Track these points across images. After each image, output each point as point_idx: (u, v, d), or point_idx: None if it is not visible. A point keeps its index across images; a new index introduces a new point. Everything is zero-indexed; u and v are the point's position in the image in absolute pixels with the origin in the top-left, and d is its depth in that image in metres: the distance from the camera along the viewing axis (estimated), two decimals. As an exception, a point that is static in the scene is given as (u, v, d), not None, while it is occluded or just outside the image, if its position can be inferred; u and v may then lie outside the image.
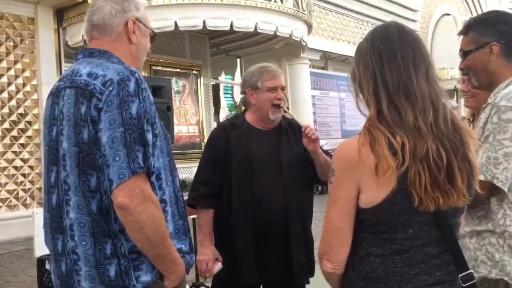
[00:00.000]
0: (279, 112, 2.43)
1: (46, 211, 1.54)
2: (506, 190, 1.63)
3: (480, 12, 19.26)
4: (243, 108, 2.61)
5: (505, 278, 1.64)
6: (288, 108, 2.55)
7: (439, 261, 1.29)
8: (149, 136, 1.40)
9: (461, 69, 1.89)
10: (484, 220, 1.71)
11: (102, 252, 1.40)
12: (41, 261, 3.46)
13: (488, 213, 1.70)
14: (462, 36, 1.88)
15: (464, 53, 1.86)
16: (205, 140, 9.83)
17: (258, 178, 2.33)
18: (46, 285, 3.41)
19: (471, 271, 1.31)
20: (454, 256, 1.29)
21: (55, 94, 1.54)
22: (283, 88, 2.47)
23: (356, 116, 15.37)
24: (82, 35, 7.88)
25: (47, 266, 3.40)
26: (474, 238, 1.73)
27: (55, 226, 1.49)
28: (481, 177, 1.58)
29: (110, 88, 1.38)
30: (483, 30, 1.81)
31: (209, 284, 3.91)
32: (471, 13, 19.12)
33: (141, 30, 1.64)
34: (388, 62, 1.30)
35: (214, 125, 11.13)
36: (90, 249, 1.41)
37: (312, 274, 2.44)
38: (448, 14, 16.87)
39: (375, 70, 1.31)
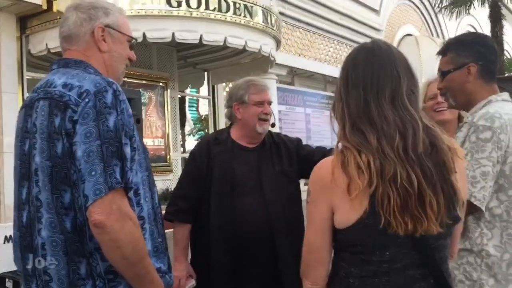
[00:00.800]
0: (267, 124, 2.41)
1: (16, 229, 1.46)
2: (483, 208, 1.65)
3: (440, 33, 19.96)
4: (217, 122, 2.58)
5: None
6: (274, 125, 2.53)
7: (425, 284, 1.28)
8: (127, 150, 1.35)
9: (439, 88, 1.92)
10: (461, 239, 1.72)
11: (76, 273, 1.33)
12: (1, 278, 3.31)
13: (465, 232, 1.71)
14: (440, 57, 1.92)
15: (443, 73, 1.89)
16: (171, 153, 9.72)
17: (238, 196, 2.30)
18: (5, 304, 3.25)
19: None
20: (435, 280, 1.28)
21: (28, 106, 1.47)
22: (270, 103, 2.43)
23: (321, 132, 15.55)
24: (46, 44, 7.68)
25: (7, 284, 3.25)
26: (453, 258, 1.74)
27: (25, 245, 1.41)
28: None
29: (86, 100, 1.33)
30: (461, 51, 1.85)
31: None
32: (432, 34, 19.78)
33: (113, 37, 1.58)
34: (352, 88, 1.33)
35: (180, 138, 11.02)
36: (63, 269, 1.34)
37: None
38: (410, 35, 17.37)
39: (341, 94, 1.35)
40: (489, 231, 1.69)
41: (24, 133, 1.44)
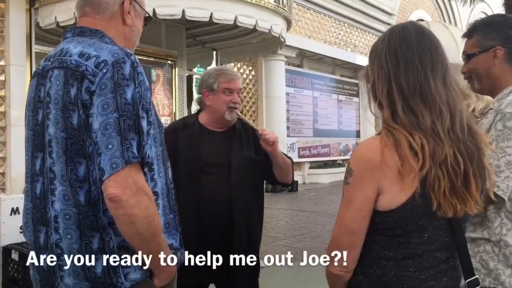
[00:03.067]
0: (235, 113, 2.43)
1: (29, 201, 1.42)
2: (506, 199, 1.61)
3: (452, 20, 19.69)
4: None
5: (499, 287, 1.63)
6: (241, 112, 2.55)
7: (446, 267, 1.28)
8: (144, 124, 1.31)
9: (463, 72, 1.86)
10: (479, 228, 1.69)
11: (88, 247, 1.30)
12: (6, 250, 3.31)
13: (484, 221, 1.68)
14: (465, 39, 1.85)
15: (468, 56, 1.83)
16: (178, 132, 9.71)
17: (204, 178, 2.33)
18: (12, 276, 3.26)
19: (477, 277, 1.29)
20: (463, 262, 1.28)
21: (40, 75, 1.42)
22: (239, 92, 2.47)
23: (328, 115, 15.49)
24: (55, 17, 7.61)
25: (13, 256, 3.26)
26: (468, 244, 1.71)
27: (38, 217, 1.38)
28: None
29: (104, 70, 1.28)
30: (488, 33, 1.78)
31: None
32: (444, 20, 19.52)
33: (136, 11, 1.54)
34: (405, 65, 1.26)
35: (186, 117, 10.99)
36: (76, 243, 1.31)
37: (256, 275, 2.46)
38: (422, 20, 17.15)
39: (390, 72, 1.27)
40: (509, 221, 1.66)
41: (36, 103, 1.40)
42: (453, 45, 11.60)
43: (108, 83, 1.27)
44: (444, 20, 19.48)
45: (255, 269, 2.41)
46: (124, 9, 1.49)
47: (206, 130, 2.44)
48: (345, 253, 1.29)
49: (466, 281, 1.27)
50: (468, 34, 1.84)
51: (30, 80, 1.48)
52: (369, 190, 1.24)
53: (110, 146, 1.24)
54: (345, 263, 1.30)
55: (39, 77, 1.42)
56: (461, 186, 1.22)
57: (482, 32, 1.79)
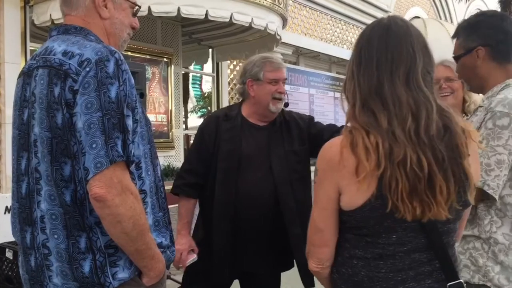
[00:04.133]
0: (280, 104, 2.35)
1: (15, 201, 1.42)
2: (496, 197, 1.61)
3: (448, 17, 19.70)
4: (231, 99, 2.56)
5: (488, 284, 1.64)
6: (287, 104, 2.47)
7: (430, 268, 1.26)
8: (129, 122, 1.31)
9: (457, 72, 1.88)
10: (469, 225, 1.69)
11: (75, 247, 1.30)
12: (1, 248, 3.31)
13: (474, 218, 1.68)
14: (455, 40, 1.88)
15: (455, 58, 1.85)
16: (174, 130, 9.70)
17: (244, 174, 2.27)
18: (6, 274, 3.26)
19: (461, 280, 1.28)
20: (442, 264, 1.26)
21: (26, 74, 1.41)
22: (284, 81, 2.39)
23: (324, 112, 15.47)
24: (50, 14, 7.58)
25: (7, 254, 3.25)
26: (458, 242, 1.71)
27: (23, 217, 1.38)
28: None
29: (87, 69, 1.28)
30: (468, 35, 1.81)
31: (176, 277, 3.83)
32: (440, 17, 19.53)
33: (114, 3, 1.51)
34: (364, 66, 1.28)
35: (183, 114, 10.97)
36: (63, 243, 1.31)
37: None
38: (418, 17, 17.15)
39: (353, 72, 1.30)
40: (499, 219, 1.66)
41: (22, 102, 1.39)
42: (449, 42, 11.60)
43: (92, 82, 1.26)
44: (440, 17, 19.47)
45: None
46: (96, 3, 1.47)
47: (248, 123, 2.36)
48: (316, 249, 1.31)
49: (448, 284, 1.26)
50: (455, 36, 1.86)
51: (17, 79, 1.47)
52: (329, 189, 1.25)
53: (94, 145, 1.24)
54: (319, 260, 1.31)
55: (25, 76, 1.42)
56: (424, 190, 1.18)
57: (464, 34, 1.82)
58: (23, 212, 1.37)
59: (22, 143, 1.38)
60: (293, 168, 2.33)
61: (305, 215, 2.24)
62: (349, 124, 1.28)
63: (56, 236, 1.31)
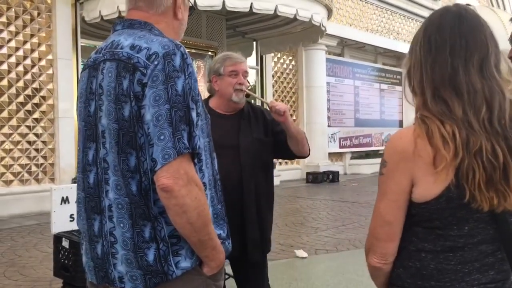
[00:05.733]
0: (242, 94, 2.50)
1: (80, 190, 1.46)
2: None
3: (501, 4, 18.92)
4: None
5: None
6: (248, 95, 2.60)
7: (493, 260, 1.22)
8: (194, 115, 1.32)
9: (510, 57, 1.79)
10: None
11: (140, 236, 1.33)
12: (57, 238, 3.42)
13: None
14: None
15: None
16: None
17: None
18: (62, 262, 3.37)
19: None
20: (510, 255, 1.22)
21: (92, 67, 1.45)
22: (245, 74, 2.53)
23: (370, 105, 15.24)
24: (99, 11, 7.80)
25: (64, 243, 3.37)
26: None
27: (92, 206, 1.41)
28: None
29: (156, 62, 1.29)
30: None
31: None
32: (492, 4, 18.77)
33: (185, 5, 1.55)
34: (436, 53, 1.22)
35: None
36: (128, 231, 1.34)
37: (265, 250, 2.57)
38: (469, 5, 16.53)
39: (422, 60, 1.24)
40: None
41: (88, 94, 1.43)
42: (501, 30, 11.15)
43: (160, 75, 1.28)
44: (492, 4, 18.73)
45: (265, 245, 2.55)
46: (177, 4, 1.51)
47: (215, 114, 2.49)
48: (382, 244, 1.28)
49: None
50: None
51: (81, 72, 1.51)
52: (403, 180, 1.21)
53: (162, 137, 1.26)
54: (383, 255, 1.28)
55: (91, 69, 1.45)
56: (499, 180, 1.15)
57: None
58: (91, 201, 1.41)
59: (89, 134, 1.42)
60: (258, 154, 2.48)
61: (261, 199, 2.48)
62: (418, 114, 1.24)
63: (122, 225, 1.34)
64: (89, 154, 1.42)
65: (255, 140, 2.48)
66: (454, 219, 1.20)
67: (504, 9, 18.46)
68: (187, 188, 1.26)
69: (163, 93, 1.27)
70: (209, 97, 2.63)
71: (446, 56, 1.21)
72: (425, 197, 1.19)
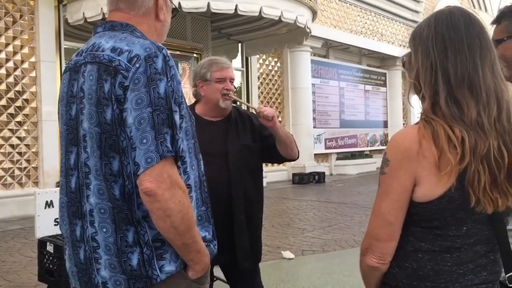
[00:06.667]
0: (229, 100, 2.48)
1: (64, 195, 1.44)
2: None
3: (482, 7, 19.17)
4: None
5: None
6: (235, 101, 2.60)
7: (486, 261, 1.24)
8: (177, 118, 1.31)
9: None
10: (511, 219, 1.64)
11: (123, 240, 1.32)
12: (42, 242, 3.38)
13: None
14: (494, 26, 1.82)
15: (496, 42, 1.79)
16: (204, 125, 9.76)
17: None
18: (47, 267, 3.33)
19: None
20: (504, 256, 1.23)
21: (73, 70, 1.43)
22: (232, 80, 2.51)
23: (355, 106, 15.33)
24: (83, 13, 7.73)
25: (48, 248, 3.33)
26: None
27: (73, 210, 1.40)
28: None
29: (137, 65, 1.28)
30: None
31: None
32: (474, 6, 19.02)
33: (167, 6, 1.54)
34: (453, 53, 1.20)
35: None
36: (111, 236, 1.32)
37: (256, 259, 2.54)
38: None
39: (436, 60, 1.22)
40: None
41: (69, 98, 1.41)
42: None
43: (142, 78, 1.27)
44: (474, 6, 18.98)
45: (256, 253, 2.53)
46: (159, 5, 1.49)
47: (202, 120, 2.47)
48: (381, 244, 1.27)
49: (507, 275, 1.23)
50: (497, 20, 1.80)
51: (62, 75, 1.49)
52: (406, 180, 1.20)
53: (144, 141, 1.25)
54: (382, 255, 1.27)
55: (72, 72, 1.43)
56: (503, 180, 1.17)
57: (510, 18, 1.75)
58: (72, 205, 1.40)
59: (71, 138, 1.40)
60: (247, 161, 2.45)
61: (250, 206, 2.45)
62: (423, 117, 1.23)
63: (104, 230, 1.33)
64: (71, 158, 1.40)
65: (243, 147, 2.45)
66: (453, 219, 1.20)
67: (486, 11, 18.72)
68: (170, 191, 1.25)
69: (145, 96, 1.26)
70: (195, 103, 2.60)
71: (465, 55, 1.20)
72: (427, 197, 1.19)
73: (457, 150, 1.14)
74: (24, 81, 7.68)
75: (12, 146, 7.55)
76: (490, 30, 1.90)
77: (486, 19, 13.24)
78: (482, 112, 1.17)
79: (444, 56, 1.21)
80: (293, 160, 2.64)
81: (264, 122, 2.37)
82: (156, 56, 1.30)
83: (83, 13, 7.65)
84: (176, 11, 1.65)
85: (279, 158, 2.55)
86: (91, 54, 1.38)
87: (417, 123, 1.24)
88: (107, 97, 1.29)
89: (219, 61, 2.52)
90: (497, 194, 1.17)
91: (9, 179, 7.53)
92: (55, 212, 3.57)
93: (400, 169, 1.21)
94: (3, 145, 7.46)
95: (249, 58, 11.48)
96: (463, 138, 1.15)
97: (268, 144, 2.49)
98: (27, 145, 7.72)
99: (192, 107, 2.56)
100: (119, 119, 1.27)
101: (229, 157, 2.42)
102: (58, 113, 1.49)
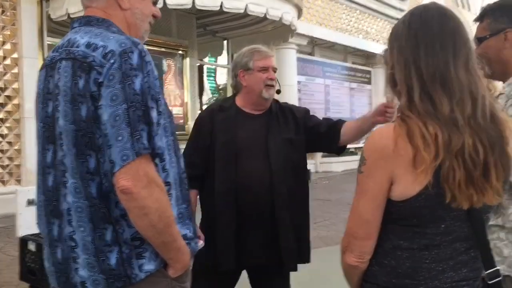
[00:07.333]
0: (272, 90, 2.38)
1: (41, 193, 1.42)
2: None
3: (466, 4, 19.35)
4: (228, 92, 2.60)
5: None
6: (279, 91, 2.50)
7: (466, 258, 1.24)
8: (154, 114, 1.29)
9: (479, 55, 1.82)
10: (493, 215, 1.66)
11: (102, 239, 1.30)
12: (23, 241, 3.34)
13: (498, 208, 1.64)
14: (477, 23, 1.82)
15: (479, 40, 1.80)
16: (189, 122, 9.71)
17: (241, 163, 2.29)
18: (29, 266, 3.30)
19: (498, 268, 1.26)
20: (483, 253, 1.24)
21: (49, 66, 1.41)
22: (275, 69, 2.42)
23: (340, 103, 15.38)
24: (66, 9, 7.62)
25: (30, 246, 3.29)
26: None
27: (50, 209, 1.38)
28: None
29: (112, 61, 1.26)
30: (499, 16, 1.75)
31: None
32: (457, 5, 19.20)
33: None
34: (425, 49, 1.21)
35: (198, 107, 11.00)
36: (89, 235, 1.31)
37: (302, 260, 2.43)
38: (435, 5, 16.86)
39: (409, 57, 1.22)
40: None
41: (46, 95, 1.39)
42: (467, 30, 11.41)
43: (116, 74, 1.25)
44: (458, 4, 19.15)
45: (303, 254, 2.40)
46: None
47: (242, 113, 2.39)
48: (359, 242, 1.27)
49: (486, 272, 1.24)
50: (480, 18, 1.81)
51: (39, 71, 1.47)
52: (382, 178, 1.20)
53: (120, 138, 1.23)
54: (361, 254, 1.27)
55: (48, 69, 1.41)
56: (479, 176, 1.17)
57: (493, 16, 1.76)
58: (49, 204, 1.38)
59: (47, 135, 1.38)
60: (289, 156, 2.34)
61: (295, 203, 2.34)
62: (399, 114, 1.23)
63: (82, 229, 1.31)
64: (48, 156, 1.38)
65: (285, 141, 2.35)
66: (431, 217, 1.21)
67: (469, 9, 18.92)
68: (147, 189, 1.24)
69: (120, 92, 1.24)
70: (235, 95, 2.49)
71: (437, 51, 1.20)
72: (404, 195, 1.19)
73: (431, 147, 1.14)
74: (6, 77, 7.57)
75: (-6, 143, 7.44)
76: (473, 27, 1.92)
77: (470, 18, 13.38)
78: (455, 109, 1.17)
79: (417, 53, 1.22)
80: (342, 151, 2.51)
81: (379, 118, 2.23)
82: (131, 51, 1.28)
83: (66, 9, 7.55)
84: None
85: (331, 147, 2.45)
86: (66, 50, 1.36)
87: (394, 121, 1.24)
88: (82, 94, 1.27)
89: (261, 50, 2.43)
90: (473, 191, 1.17)
91: (-9, 177, 7.42)
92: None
93: (377, 168, 1.21)
94: (-16, 142, 7.34)
95: (234, 55, 11.44)
96: (436, 134, 1.15)
97: (315, 133, 2.39)
98: (9, 143, 7.61)
99: (232, 99, 2.47)
100: (94, 116, 1.25)
101: (270, 153, 2.31)
102: (35, 111, 1.47)
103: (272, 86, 2.37)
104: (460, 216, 1.22)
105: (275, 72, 2.41)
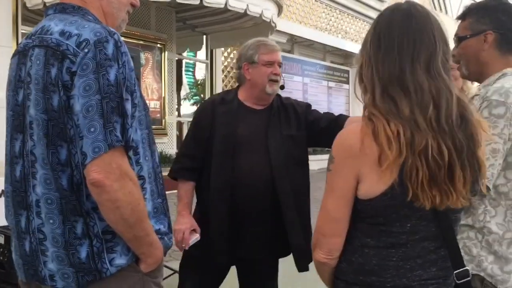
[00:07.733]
0: (276, 85, 2.33)
1: (8, 184, 1.38)
2: (490, 186, 1.60)
3: (443, 7, 19.67)
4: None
5: (481, 274, 1.63)
6: (283, 87, 2.45)
7: (435, 257, 1.26)
8: (128, 106, 1.27)
9: (453, 55, 1.83)
10: (464, 214, 1.68)
11: (72, 232, 1.27)
12: (-8, 234, 3.26)
13: (468, 208, 1.67)
14: (459, 21, 1.83)
15: (459, 39, 1.81)
16: (167, 117, 9.63)
17: (239, 158, 2.24)
18: (-4, 260, 3.22)
19: (467, 268, 1.27)
20: (451, 253, 1.26)
21: (22, 53, 1.37)
22: (280, 64, 2.36)
23: (318, 102, 15.44)
24: (42, -2, 7.47)
25: (-2, 240, 3.21)
26: None
27: (18, 200, 1.34)
28: None
29: (86, 50, 1.23)
30: (481, 17, 1.76)
31: (169, 264, 3.82)
32: (435, 7, 19.48)
33: None
34: (385, 51, 1.23)
35: (176, 101, 10.90)
36: (59, 228, 1.27)
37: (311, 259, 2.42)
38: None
39: (372, 57, 1.25)
40: (493, 208, 1.65)
41: (17, 82, 1.34)
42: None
43: (90, 64, 1.22)
44: (435, 8, 19.44)
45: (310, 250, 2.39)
46: None
47: (244, 107, 2.34)
48: (328, 239, 1.28)
49: (455, 272, 1.25)
50: (462, 17, 1.82)
51: (11, 58, 1.42)
52: (349, 177, 1.22)
53: (92, 129, 1.20)
54: (329, 251, 1.28)
55: (20, 56, 1.37)
56: (444, 179, 1.18)
57: (475, 15, 1.77)
58: (17, 195, 1.34)
59: (17, 124, 1.33)
60: (290, 152, 2.30)
61: (299, 200, 2.30)
62: (366, 112, 1.24)
63: (51, 221, 1.27)
64: (16, 146, 1.34)
65: (285, 138, 2.30)
66: (397, 216, 1.21)
67: (446, 12, 19.23)
68: (119, 182, 1.21)
69: (93, 82, 1.21)
70: (238, 87, 2.44)
71: (394, 54, 1.22)
72: (370, 194, 1.20)
73: (394, 145, 1.15)
74: (-23, 66, 7.37)
75: (-37, 133, 7.25)
76: (450, 29, 1.93)
77: (446, 21, 13.59)
78: (416, 111, 1.18)
79: (377, 55, 1.24)
80: None
81: None
82: (106, 41, 1.24)
83: (42, -2, 7.39)
84: None
85: (327, 143, 2.41)
86: (40, 37, 1.32)
87: (362, 120, 1.25)
88: (54, 83, 1.23)
89: (268, 43, 2.36)
90: (436, 192, 1.18)
91: (-40, 168, 7.23)
92: (6, 202, 3.45)
93: (344, 167, 1.22)
94: (-47, 132, 7.15)
95: (213, 50, 11.39)
96: (398, 132, 1.16)
97: (316, 128, 2.35)
98: (-21, 133, 7.42)
99: (235, 91, 2.42)
100: (66, 106, 1.22)
101: (270, 149, 2.27)
102: (6, 98, 1.43)
103: (277, 81, 2.32)
104: (426, 216, 1.22)
105: (280, 67, 2.36)
